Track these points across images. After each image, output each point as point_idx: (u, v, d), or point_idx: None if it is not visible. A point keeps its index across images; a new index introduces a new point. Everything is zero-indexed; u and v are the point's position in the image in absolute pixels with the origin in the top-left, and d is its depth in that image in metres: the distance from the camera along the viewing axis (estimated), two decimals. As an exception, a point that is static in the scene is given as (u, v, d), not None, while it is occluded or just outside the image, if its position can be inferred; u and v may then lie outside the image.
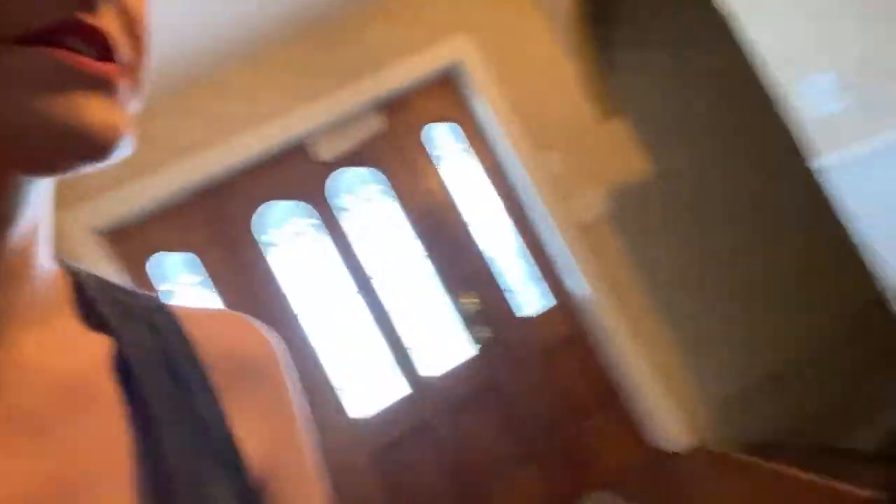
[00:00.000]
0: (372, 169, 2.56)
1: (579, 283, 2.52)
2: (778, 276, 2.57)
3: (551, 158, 2.52)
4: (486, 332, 2.47)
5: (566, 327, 2.58)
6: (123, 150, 0.26)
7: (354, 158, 2.54)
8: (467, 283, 2.52)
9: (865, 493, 1.61)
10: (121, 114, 0.26)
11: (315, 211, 2.47)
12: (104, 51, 0.25)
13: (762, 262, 2.57)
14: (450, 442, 2.39)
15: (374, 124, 2.55)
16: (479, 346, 2.48)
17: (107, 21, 0.25)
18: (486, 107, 2.54)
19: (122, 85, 0.26)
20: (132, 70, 0.28)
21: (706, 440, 2.38)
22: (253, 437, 0.33)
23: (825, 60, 1.58)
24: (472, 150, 2.64)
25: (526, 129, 2.53)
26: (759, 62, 1.78)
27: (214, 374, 0.33)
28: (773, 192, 2.61)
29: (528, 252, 2.63)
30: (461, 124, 2.64)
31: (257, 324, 0.40)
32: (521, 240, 2.63)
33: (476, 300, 2.49)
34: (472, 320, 2.49)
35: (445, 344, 2.49)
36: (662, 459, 2.39)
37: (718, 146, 2.64)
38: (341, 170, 2.53)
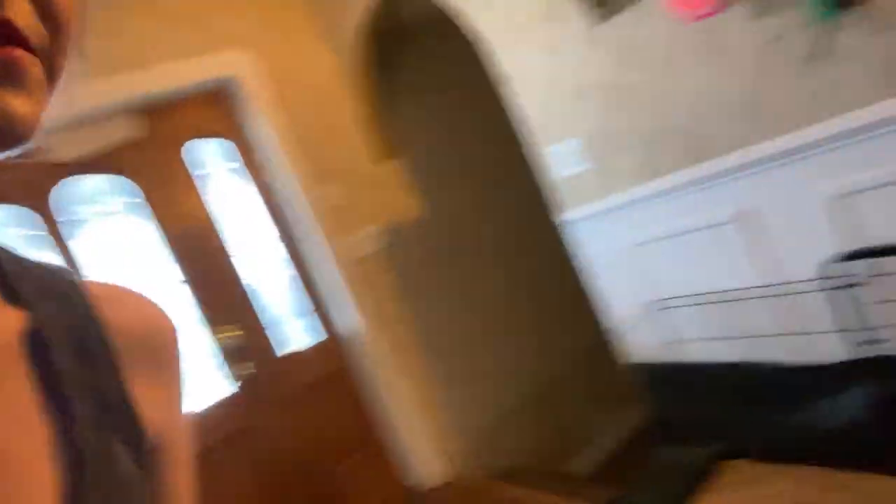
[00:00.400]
0: (121, 178, 2.22)
1: (349, 319, 2.49)
2: (526, 315, 2.87)
3: (330, 191, 2.49)
4: (247, 369, 2.28)
5: (332, 363, 2.52)
6: (31, 140, 0.26)
7: (100, 164, 2.18)
8: (229, 314, 2.31)
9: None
10: (27, 102, 0.25)
11: (39, 219, 2.04)
12: (11, 38, 0.24)
13: (513, 302, 2.86)
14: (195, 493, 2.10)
15: (129, 128, 2.24)
16: (238, 384, 2.27)
17: (14, 8, 0.24)
18: (263, 129, 2.42)
19: (33, 72, 0.26)
20: (46, 56, 0.27)
21: (461, 472, 2.49)
22: (151, 411, 0.35)
23: (572, 130, 1.85)
24: (243, 171, 2.48)
25: (305, 158, 2.47)
26: (520, 124, 2.01)
27: (121, 351, 0.34)
28: (526, 239, 2.95)
29: (297, 284, 2.52)
30: (233, 142, 2.47)
31: (157, 303, 0.41)
32: (290, 271, 2.52)
33: (239, 333, 2.29)
34: (232, 355, 2.27)
35: (201, 382, 2.23)
36: (418, 496, 2.43)
37: (481, 194, 2.90)
38: (80, 175, 2.15)
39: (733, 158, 1.47)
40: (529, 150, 2.05)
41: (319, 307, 2.54)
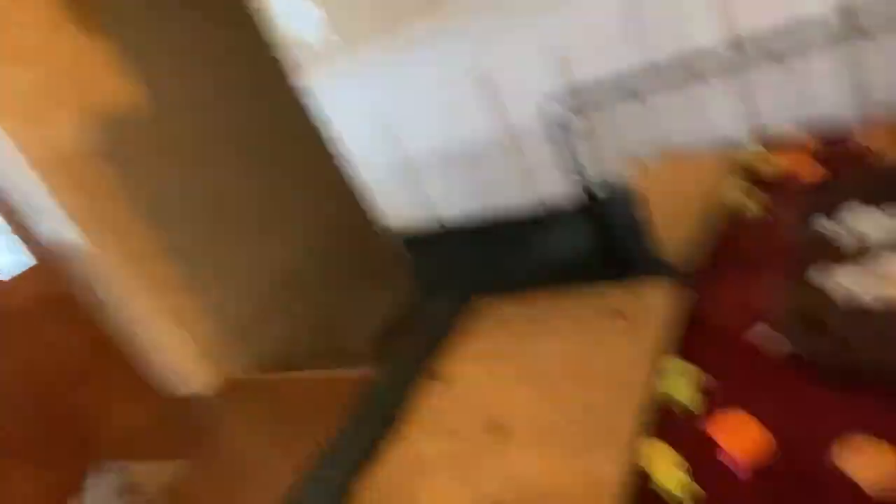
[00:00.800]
0: None
1: (63, 230, 2.09)
2: (282, 199, 2.71)
3: (14, 73, 1.98)
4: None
5: (50, 285, 2.12)
6: None
7: None
8: None
9: (359, 373, 1.88)
10: None
11: None
12: None
13: (261, 186, 2.67)
14: None
15: None
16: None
17: None
18: None
19: None
20: None
21: (229, 372, 2.36)
22: None
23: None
24: None
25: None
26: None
27: None
28: (269, 117, 2.73)
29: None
30: None
31: None
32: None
33: None
34: None
35: None
36: (185, 405, 2.26)
37: (212, 74, 2.58)
38: None
39: (461, 11, 1.48)
40: (258, 13, 1.83)
41: (22, 220, 2.09)
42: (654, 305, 1.15)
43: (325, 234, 2.79)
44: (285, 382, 2.10)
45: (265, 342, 2.44)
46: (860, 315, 0.77)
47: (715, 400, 0.81)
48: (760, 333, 0.86)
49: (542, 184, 1.69)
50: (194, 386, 2.30)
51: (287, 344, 2.41)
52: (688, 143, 1.52)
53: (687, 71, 1.36)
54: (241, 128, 2.66)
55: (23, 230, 2.10)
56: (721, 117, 1.44)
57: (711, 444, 0.75)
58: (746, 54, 1.29)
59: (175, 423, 2.19)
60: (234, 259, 2.51)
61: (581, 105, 1.54)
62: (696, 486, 0.72)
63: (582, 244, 1.66)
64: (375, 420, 1.57)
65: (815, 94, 1.36)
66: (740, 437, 0.73)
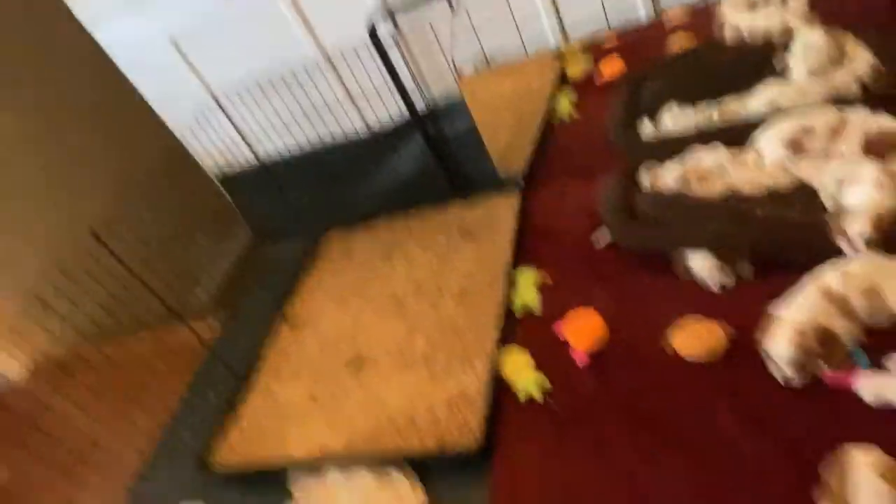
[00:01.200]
0: None
1: None
2: (75, 150, 2.35)
3: None
4: None
5: None
6: None
7: None
8: None
9: (204, 329, 1.75)
10: None
11: None
12: None
13: (48, 136, 2.28)
14: None
15: None
16: None
17: None
18: None
19: None
20: None
21: (44, 350, 2.08)
22: None
23: None
24: None
25: None
26: None
27: None
28: (48, 64, 2.30)
29: None
30: None
31: None
32: None
33: None
34: None
35: None
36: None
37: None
38: None
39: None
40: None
41: None
42: (499, 218, 1.19)
43: (140, 185, 2.48)
44: (118, 351, 1.89)
45: (83, 311, 2.16)
46: (663, 200, 0.85)
47: (560, 300, 0.86)
48: (596, 233, 0.93)
49: (370, 106, 1.62)
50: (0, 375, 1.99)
51: (113, 310, 2.16)
52: (506, 53, 1.54)
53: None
54: (25, 84, 2.20)
55: None
56: (536, 26, 1.46)
57: (559, 342, 0.80)
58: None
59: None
60: (23, 224, 2.15)
61: (400, 21, 1.47)
62: (545, 380, 0.77)
63: (420, 165, 1.65)
64: (229, 376, 1.48)
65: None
66: (583, 331, 0.79)
